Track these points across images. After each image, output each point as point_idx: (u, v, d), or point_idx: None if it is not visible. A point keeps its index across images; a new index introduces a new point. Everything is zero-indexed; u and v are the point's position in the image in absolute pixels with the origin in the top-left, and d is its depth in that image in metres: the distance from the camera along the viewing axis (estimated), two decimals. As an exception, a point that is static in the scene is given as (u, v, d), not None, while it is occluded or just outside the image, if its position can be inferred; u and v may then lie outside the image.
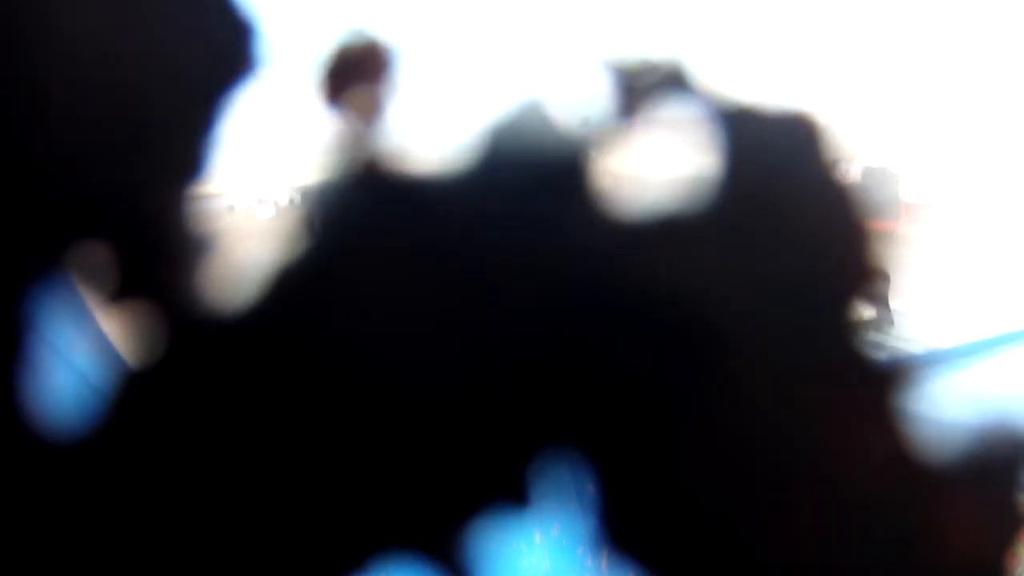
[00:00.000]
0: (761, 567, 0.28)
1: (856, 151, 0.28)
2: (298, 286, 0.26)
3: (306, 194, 0.27)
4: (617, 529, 0.28)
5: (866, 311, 0.28)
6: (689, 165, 0.29)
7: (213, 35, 0.27)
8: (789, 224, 0.28)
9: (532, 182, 0.27)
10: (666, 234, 0.27)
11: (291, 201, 0.27)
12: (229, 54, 0.27)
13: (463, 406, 0.26)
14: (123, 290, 0.25)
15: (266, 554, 0.26)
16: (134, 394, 0.25)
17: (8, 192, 0.25)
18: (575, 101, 0.28)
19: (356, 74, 0.28)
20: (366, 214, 0.27)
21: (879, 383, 0.28)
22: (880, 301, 0.28)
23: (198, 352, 0.26)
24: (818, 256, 0.28)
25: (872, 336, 0.28)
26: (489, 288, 0.26)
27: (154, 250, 0.26)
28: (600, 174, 0.27)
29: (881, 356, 0.28)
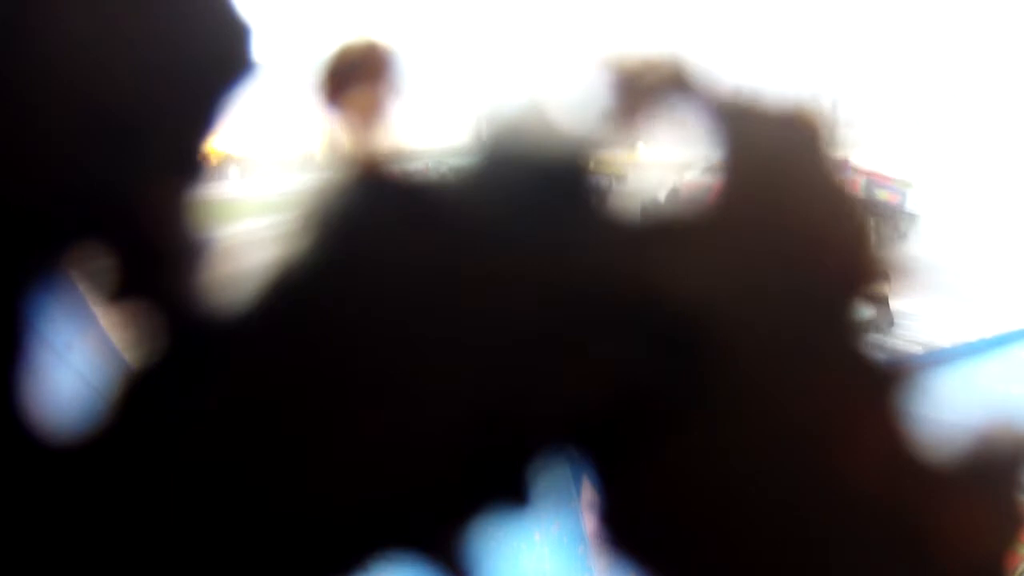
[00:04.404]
0: (761, 567, 0.28)
1: (856, 152, 0.28)
2: (298, 287, 0.26)
3: (306, 195, 0.27)
4: (617, 529, 0.28)
5: (866, 311, 0.28)
6: (689, 164, 0.29)
7: (214, 36, 0.27)
8: (789, 224, 0.28)
9: (532, 182, 0.27)
10: (666, 233, 0.27)
11: (291, 202, 0.27)
12: (230, 55, 0.27)
13: (463, 406, 0.26)
14: (123, 290, 0.25)
15: (266, 554, 0.26)
16: (134, 395, 0.25)
17: (7, 192, 0.25)
18: (575, 101, 0.28)
19: (356, 75, 0.28)
20: (366, 215, 0.27)
21: (879, 383, 0.28)
22: (880, 301, 0.28)
23: (198, 352, 0.26)
24: (819, 256, 0.28)
25: (872, 336, 0.28)
26: (489, 288, 0.26)
27: (154, 250, 0.26)
28: (600, 174, 0.27)
29: (881, 356, 0.28)
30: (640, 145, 0.28)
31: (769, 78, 0.29)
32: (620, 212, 0.27)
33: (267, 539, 0.26)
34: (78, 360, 0.28)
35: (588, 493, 0.27)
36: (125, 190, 0.25)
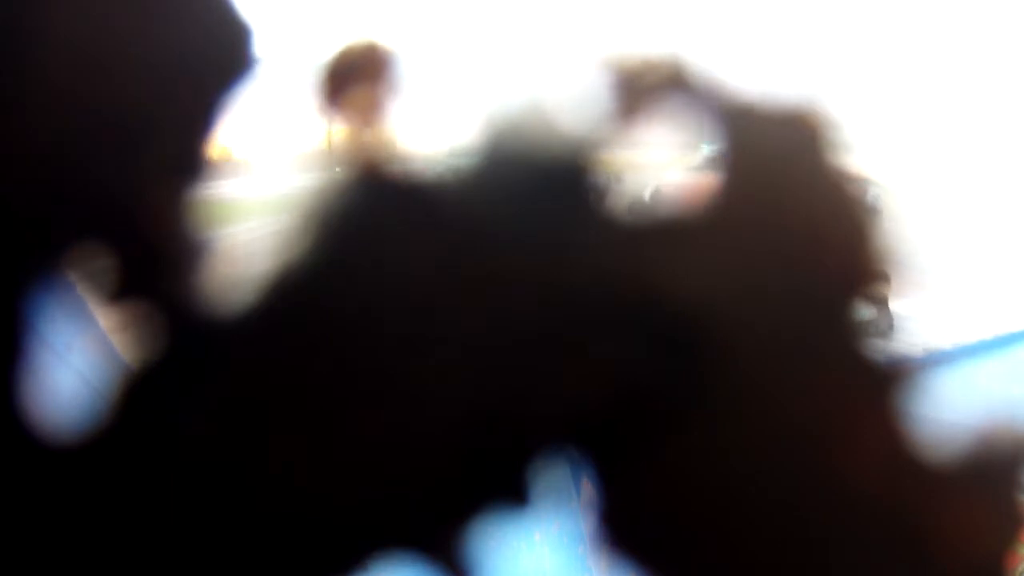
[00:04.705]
0: (761, 567, 0.28)
1: (856, 153, 0.28)
2: (298, 287, 0.26)
3: (306, 195, 0.27)
4: (617, 529, 0.28)
5: (866, 312, 0.28)
6: (689, 165, 0.29)
7: (214, 36, 0.27)
8: (790, 224, 0.28)
9: (532, 182, 0.27)
10: (667, 234, 0.27)
11: (291, 202, 0.27)
12: (230, 55, 0.27)
13: (463, 406, 0.26)
14: (123, 291, 0.25)
15: (266, 554, 0.26)
16: (134, 395, 0.25)
17: (7, 193, 0.25)
18: (575, 101, 0.28)
19: (357, 76, 0.28)
20: (366, 215, 0.27)
21: (879, 383, 0.28)
22: (880, 302, 0.28)
23: (198, 352, 0.26)
24: (819, 256, 0.28)
25: (872, 337, 0.28)
26: (489, 288, 0.26)
27: (154, 251, 0.26)
28: (600, 174, 0.27)
29: (881, 357, 0.28)
30: (640, 146, 0.28)
31: (769, 78, 0.29)
32: (620, 212, 0.27)
33: (267, 539, 0.26)
34: (78, 360, 0.28)
35: (588, 493, 0.27)
36: (125, 190, 0.25)
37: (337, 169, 0.27)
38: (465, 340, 0.26)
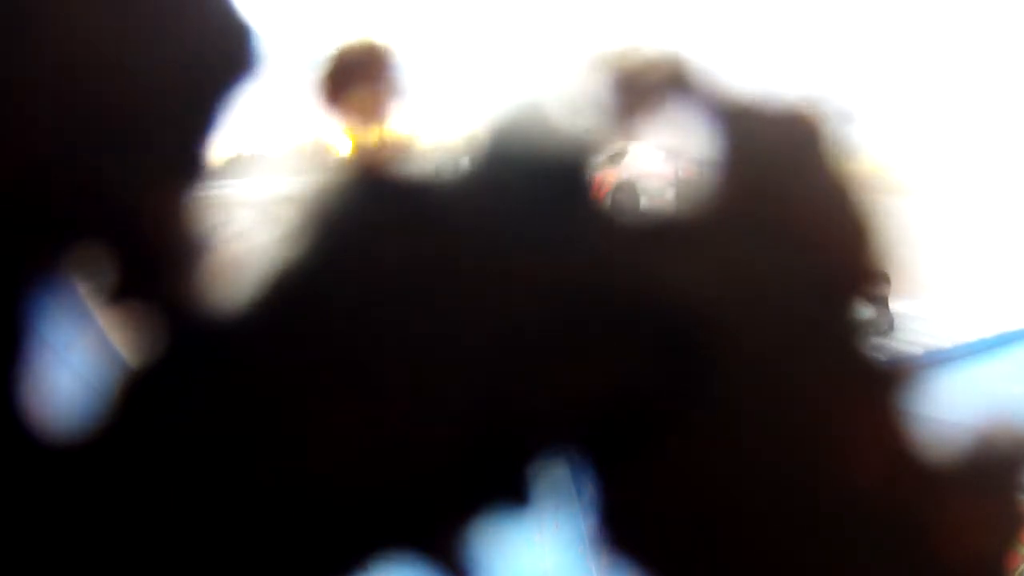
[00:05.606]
0: (761, 567, 0.28)
1: (856, 153, 0.28)
2: (298, 287, 0.26)
3: (306, 195, 0.27)
4: (617, 529, 0.28)
5: (866, 312, 0.28)
6: (689, 164, 0.29)
7: (215, 36, 0.27)
8: (790, 224, 0.28)
9: (532, 181, 0.27)
10: (667, 233, 0.27)
11: (291, 202, 0.27)
12: (232, 55, 0.27)
13: (463, 405, 0.26)
14: (123, 290, 0.25)
15: (266, 554, 0.26)
16: (134, 395, 0.25)
17: (7, 192, 0.25)
18: (575, 101, 0.28)
19: (356, 76, 0.28)
20: (365, 215, 0.27)
21: (880, 384, 0.28)
22: (880, 302, 0.28)
23: (198, 352, 0.26)
24: (819, 256, 0.28)
25: (872, 337, 0.28)
26: (489, 288, 0.26)
27: (154, 250, 0.26)
28: (600, 174, 0.27)
29: (881, 357, 0.28)
30: (640, 145, 0.28)
31: (769, 77, 0.29)
32: (620, 212, 0.27)
33: (267, 539, 0.26)
34: (78, 360, 0.28)
35: (588, 493, 0.27)
36: (125, 190, 0.25)
37: (337, 169, 0.27)
38: (465, 340, 0.26)
